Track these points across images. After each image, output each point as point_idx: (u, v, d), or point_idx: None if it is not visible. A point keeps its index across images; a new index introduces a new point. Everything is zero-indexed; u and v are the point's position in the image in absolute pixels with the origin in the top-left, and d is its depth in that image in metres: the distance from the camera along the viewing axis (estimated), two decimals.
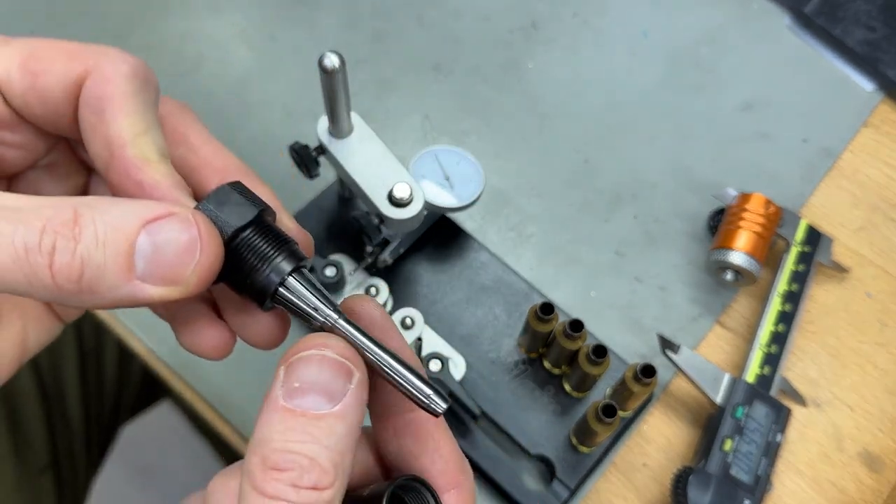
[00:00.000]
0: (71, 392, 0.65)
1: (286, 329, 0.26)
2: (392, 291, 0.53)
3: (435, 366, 0.48)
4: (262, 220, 0.23)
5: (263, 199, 0.24)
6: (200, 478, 1.21)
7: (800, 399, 0.53)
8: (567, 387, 0.51)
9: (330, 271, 0.50)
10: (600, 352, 0.47)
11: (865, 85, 0.65)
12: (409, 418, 0.25)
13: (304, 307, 0.23)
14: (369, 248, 0.52)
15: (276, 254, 0.23)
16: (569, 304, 0.56)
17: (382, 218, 0.46)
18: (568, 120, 0.64)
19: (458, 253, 0.56)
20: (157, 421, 0.94)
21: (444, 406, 0.23)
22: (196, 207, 0.22)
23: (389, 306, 0.52)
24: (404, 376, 0.23)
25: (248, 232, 0.23)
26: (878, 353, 0.55)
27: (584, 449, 0.49)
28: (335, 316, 0.23)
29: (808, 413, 0.53)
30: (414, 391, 0.23)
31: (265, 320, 0.25)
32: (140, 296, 0.20)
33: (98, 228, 0.19)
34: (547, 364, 0.52)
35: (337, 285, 0.51)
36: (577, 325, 0.47)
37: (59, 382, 0.64)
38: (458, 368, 0.50)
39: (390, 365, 0.23)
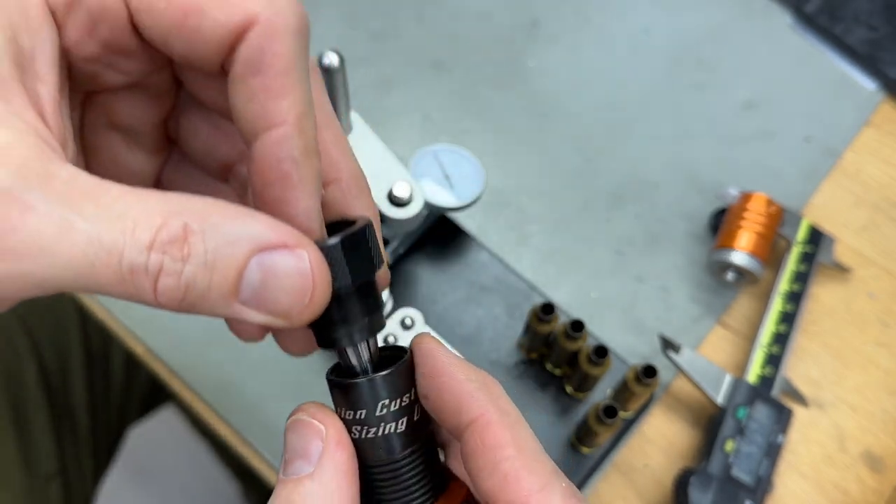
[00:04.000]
0: (78, 399, 0.64)
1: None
2: (392, 291, 0.53)
3: None
4: (372, 280, 0.23)
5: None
6: (202, 481, 1.22)
7: (802, 400, 0.52)
8: (568, 388, 0.51)
9: None
10: (601, 352, 0.46)
11: (867, 84, 0.65)
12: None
13: (352, 366, 0.23)
14: None
15: (361, 319, 0.22)
16: (569, 305, 0.56)
17: (382, 217, 0.46)
18: (569, 118, 0.64)
19: (458, 253, 0.55)
20: (161, 424, 0.93)
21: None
22: (324, 245, 0.20)
23: (389, 306, 0.52)
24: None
25: (353, 289, 0.22)
26: (881, 353, 0.55)
27: (585, 449, 0.49)
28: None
29: (809, 414, 0.53)
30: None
31: (303, 336, 0.24)
32: (240, 317, 0.20)
33: (208, 248, 0.18)
34: (548, 365, 0.51)
35: None
36: (577, 326, 0.47)
37: (67, 388, 0.63)
38: None
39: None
